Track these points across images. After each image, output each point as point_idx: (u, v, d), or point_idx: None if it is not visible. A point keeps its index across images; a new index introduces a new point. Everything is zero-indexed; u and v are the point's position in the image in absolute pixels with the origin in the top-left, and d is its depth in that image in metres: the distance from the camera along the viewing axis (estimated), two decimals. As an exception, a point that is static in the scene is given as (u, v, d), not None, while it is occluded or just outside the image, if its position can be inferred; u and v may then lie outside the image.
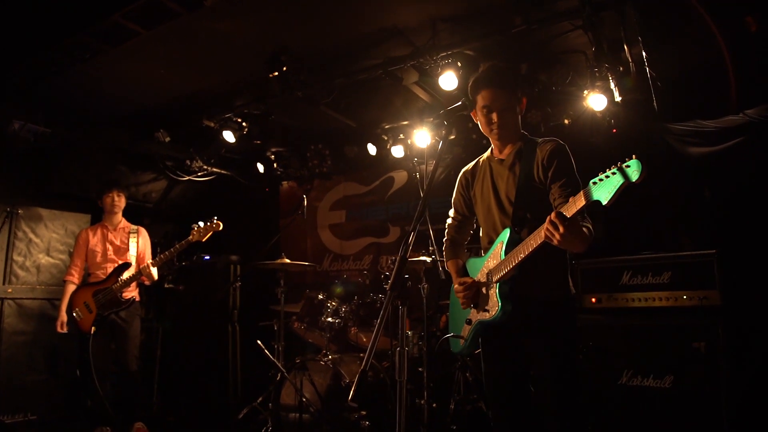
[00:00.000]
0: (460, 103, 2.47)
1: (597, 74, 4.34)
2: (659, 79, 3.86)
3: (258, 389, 5.33)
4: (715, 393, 3.55)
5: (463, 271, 2.74)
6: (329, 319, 4.62)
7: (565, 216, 2.07)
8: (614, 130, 5.09)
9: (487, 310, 2.46)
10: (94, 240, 4.88)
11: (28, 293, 5.67)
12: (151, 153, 6.09)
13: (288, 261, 4.96)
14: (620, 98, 4.58)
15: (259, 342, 4.68)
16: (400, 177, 6.52)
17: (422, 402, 4.33)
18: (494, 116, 2.54)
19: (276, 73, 4.32)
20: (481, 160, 2.79)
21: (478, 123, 2.65)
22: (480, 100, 2.56)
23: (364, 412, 4.17)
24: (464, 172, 2.85)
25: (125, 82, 4.81)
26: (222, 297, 6.01)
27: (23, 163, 5.40)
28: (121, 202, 4.93)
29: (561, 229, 2.05)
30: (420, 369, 4.48)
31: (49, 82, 4.62)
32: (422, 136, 5.70)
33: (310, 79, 4.63)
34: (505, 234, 2.46)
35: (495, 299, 2.42)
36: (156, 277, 4.79)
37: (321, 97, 4.75)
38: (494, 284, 2.45)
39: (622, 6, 3.28)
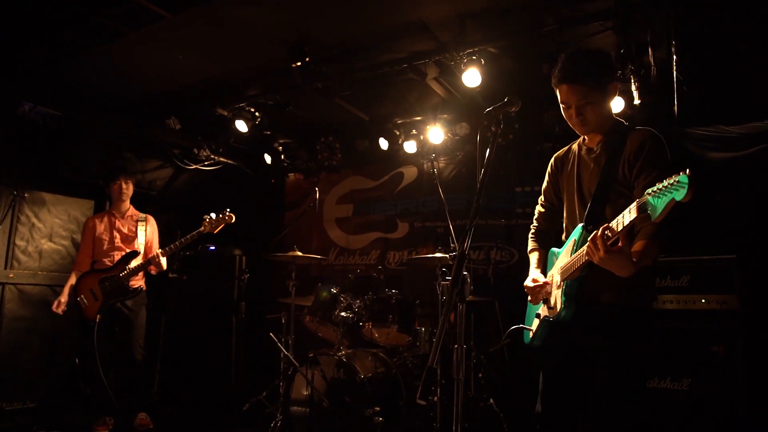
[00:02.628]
0: (506, 99, 2.40)
1: (620, 76, 4.34)
2: (685, 83, 3.87)
3: (261, 382, 5.30)
4: (733, 397, 3.59)
5: (542, 263, 2.64)
6: (342, 313, 4.58)
7: (608, 237, 1.98)
8: (629, 133, 5.11)
9: (552, 308, 2.39)
10: (101, 227, 4.78)
11: (29, 279, 5.56)
12: (158, 140, 5.99)
13: (300, 254, 4.92)
14: (639, 101, 4.61)
15: (271, 335, 4.64)
16: (410, 173, 6.49)
17: (435, 399, 4.32)
18: (572, 112, 2.36)
19: (299, 63, 4.25)
20: (573, 146, 2.62)
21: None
22: (558, 95, 2.40)
23: (377, 408, 4.14)
24: (555, 158, 2.70)
25: (140, 67, 4.71)
26: (229, 288, 5.94)
27: (29, 145, 5.27)
28: (129, 189, 4.84)
29: (601, 252, 1.98)
30: (435, 366, 4.47)
31: (62, 65, 4.51)
32: (436, 133, 5.68)
33: (331, 70, 4.58)
34: (577, 231, 2.34)
35: (560, 299, 2.33)
36: (165, 266, 4.72)
37: (340, 89, 4.70)
38: (562, 283, 2.35)
39: (659, 7, 3.27)
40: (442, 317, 1.84)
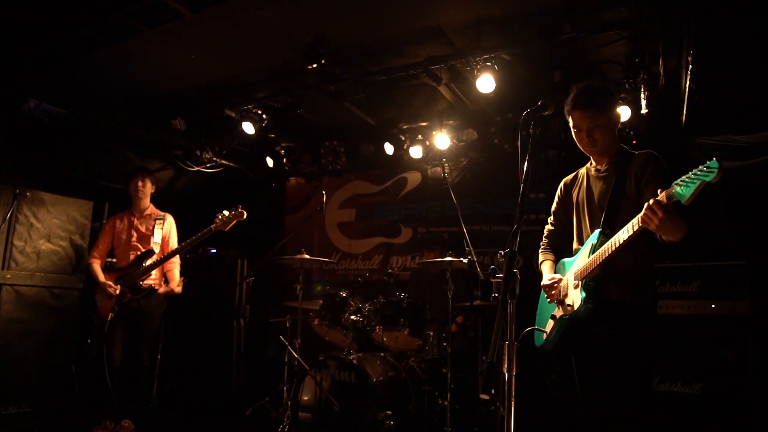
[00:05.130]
0: (540, 103, 2.48)
1: (629, 86, 4.42)
2: (698, 92, 3.94)
3: (264, 387, 5.24)
4: (744, 400, 3.65)
5: (554, 270, 2.86)
6: (352, 317, 4.56)
7: (662, 202, 2.11)
8: (634, 141, 5.21)
9: (570, 305, 2.57)
10: (121, 226, 4.77)
11: (26, 280, 5.42)
12: (162, 141, 5.93)
13: (308, 257, 4.89)
14: (646, 110, 4.69)
15: (281, 338, 4.62)
16: (414, 178, 6.52)
17: (445, 403, 4.32)
18: (583, 135, 2.67)
19: (314, 65, 4.25)
20: (580, 171, 2.93)
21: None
22: (571, 122, 2.71)
23: (389, 412, 4.12)
24: (564, 183, 3.00)
25: (151, 65, 4.66)
26: (231, 291, 5.88)
27: (32, 143, 5.17)
28: (146, 187, 4.80)
29: (660, 214, 2.10)
30: (444, 370, 4.47)
31: (72, 62, 4.44)
32: (442, 139, 5.71)
33: (345, 73, 4.58)
34: (595, 235, 2.56)
35: (578, 295, 2.52)
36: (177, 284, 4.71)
37: (353, 92, 4.70)
38: (580, 281, 2.54)
39: (678, 17, 3.34)
40: (498, 313, 1.86)
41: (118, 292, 4.44)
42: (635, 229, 2.24)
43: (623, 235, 2.31)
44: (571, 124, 2.72)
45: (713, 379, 3.79)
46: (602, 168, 2.72)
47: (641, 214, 2.18)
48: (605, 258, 2.40)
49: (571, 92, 2.72)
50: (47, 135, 5.15)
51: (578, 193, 2.84)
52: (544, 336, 2.72)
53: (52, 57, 4.37)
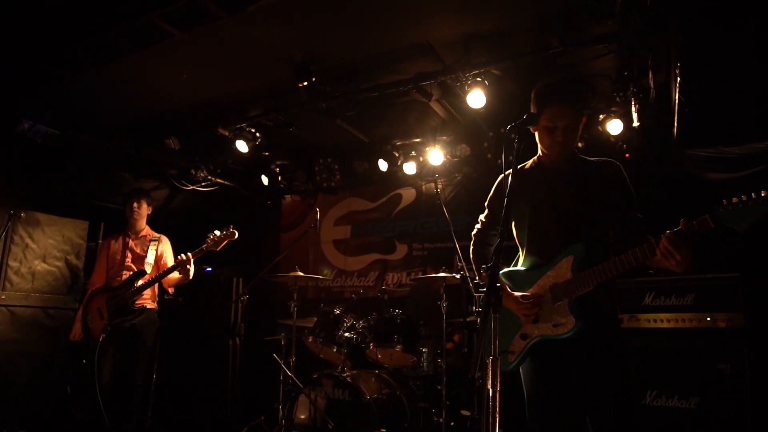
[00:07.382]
0: (526, 117, 2.40)
1: (620, 99, 4.44)
2: (686, 104, 3.96)
3: (259, 406, 5.19)
4: (740, 414, 3.60)
5: (504, 282, 2.56)
6: (346, 334, 4.54)
7: (683, 235, 2.05)
8: (627, 155, 5.22)
9: (558, 326, 2.34)
10: (115, 247, 4.77)
11: (21, 300, 5.41)
12: (156, 160, 5.94)
13: (302, 274, 4.88)
14: (638, 123, 4.71)
15: (275, 356, 4.59)
16: (408, 194, 6.53)
17: (440, 420, 4.28)
18: (558, 135, 2.38)
19: (305, 83, 4.28)
20: (527, 165, 2.63)
21: (536, 134, 2.49)
22: (546, 114, 2.38)
23: (384, 430, 4.08)
24: (508, 176, 2.63)
25: (144, 85, 4.70)
26: (227, 310, 5.86)
27: (27, 164, 5.20)
28: (141, 209, 4.80)
29: (683, 251, 2.04)
30: (439, 387, 4.43)
31: (65, 82, 4.48)
32: (436, 155, 5.73)
33: (335, 90, 4.61)
34: (577, 249, 2.35)
35: (569, 315, 2.32)
36: (191, 275, 4.57)
37: (345, 109, 4.72)
38: (564, 298, 2.34)
39: (665, 31, 3.37)
40: (480, 328, 1.84)
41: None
42: (637, 262, 2.16)
43: (632, 258, 2.18)
44: (544, 118, 2.37)
45: (710, 393, 3.73)
46: (558, 167, 2.49)
47: (660, 245, 2.07)
48: (607, 279, 2.24)
49: (553, 81, 2.41)
50: (41, 155, 5.17)
51: (534, 193, 2.51)
52: (511, 357, 2.45)
53: (46, 77, 4.40)
